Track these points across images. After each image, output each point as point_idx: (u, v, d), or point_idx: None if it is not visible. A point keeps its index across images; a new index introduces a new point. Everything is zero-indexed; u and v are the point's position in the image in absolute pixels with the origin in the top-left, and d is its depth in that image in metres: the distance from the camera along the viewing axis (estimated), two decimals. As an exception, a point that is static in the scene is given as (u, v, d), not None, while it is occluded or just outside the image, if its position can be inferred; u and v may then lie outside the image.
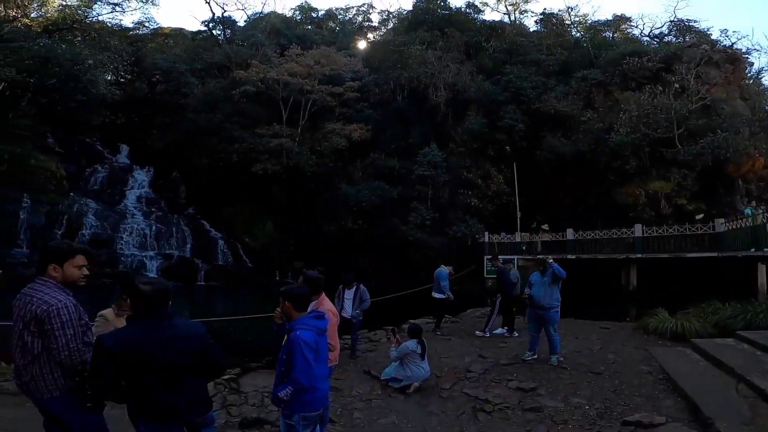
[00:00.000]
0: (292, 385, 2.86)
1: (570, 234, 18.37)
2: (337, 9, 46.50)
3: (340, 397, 5.72)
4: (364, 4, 44.73)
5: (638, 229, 16.20)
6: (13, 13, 19.99)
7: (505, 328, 9.37)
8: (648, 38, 32.55)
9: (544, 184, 22.76)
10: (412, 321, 9.57)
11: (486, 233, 20.96)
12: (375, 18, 44.61)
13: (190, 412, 2.60)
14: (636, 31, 34.48)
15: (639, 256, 15.76)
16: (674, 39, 30.72)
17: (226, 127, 24.56)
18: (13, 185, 18.90)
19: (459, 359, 7.47)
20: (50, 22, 23.21)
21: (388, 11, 49.28)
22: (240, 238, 24.18)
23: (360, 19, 44.62)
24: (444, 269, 9.90)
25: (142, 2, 29.27)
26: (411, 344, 5.95)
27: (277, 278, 23.05)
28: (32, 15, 22.43)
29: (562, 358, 6.84)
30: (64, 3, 23.55)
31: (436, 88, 25.51)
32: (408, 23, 33.04)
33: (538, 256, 9.79)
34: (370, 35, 42.00)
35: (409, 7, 34.06)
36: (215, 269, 21.66)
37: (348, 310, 7.82)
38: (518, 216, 21.75)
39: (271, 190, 24.42)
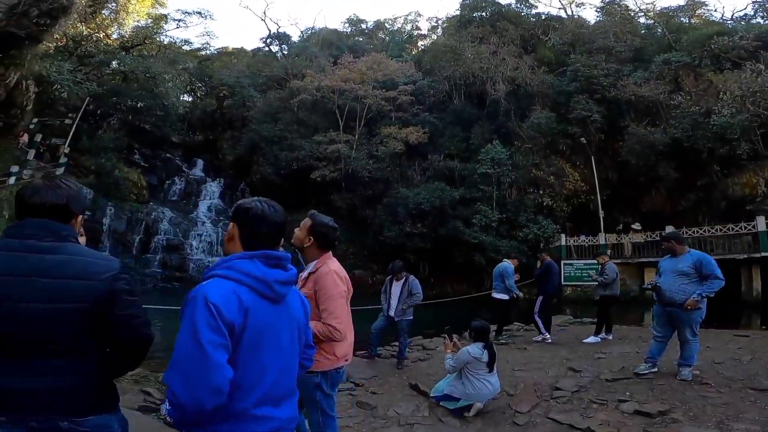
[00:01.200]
0: (168, 403, 1.36)
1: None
2: (385, 19, 45.54)
3: (372, 418, 4.09)
4: (411, 12, 44.13)
5: (761, 223, 12.80)
6: (93, 32, 21.45)
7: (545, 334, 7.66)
8: (732, 21, 27.91)
9: (630, 179, 19.50)
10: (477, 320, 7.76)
11: (563, 235, 18.22)
12: (423, 25, 43.96)
13: (41, 408, 1.36)
14: (716, 15, 29.94)
15: (765, 255, 12.34)
16: (762, 20, 25.92)
17: (287, 136, 24.46)
18: (100, 193, 20.03)
19: (540, 373, 5.52)
20: (125, 40, 24.61)
21: (436, 18, 48.09)
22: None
23: (409, 27, 43.94)
24: (509, 264, 7.96)
25: (202, 17, 31.14)
26: (474, 349, 4.19)
27: (336, 289, 22.03)
28: (113, 36, 24.08)
29: (697, 372, 4.63)
30: (137, 23, 25.14)
31: (494, 83, 23.42)
32: (458, 23, 31.16)
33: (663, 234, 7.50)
34: (420, 43, 40.98)
35: (457, 12, 32.40)
36: (276, 275, 21.14)
37: (394, 306, 6.23)
38: (601, 215, 18.74)
39: (330, 197, 23.79)
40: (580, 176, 21.02)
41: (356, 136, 24.38)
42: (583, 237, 18.11)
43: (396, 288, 6.30)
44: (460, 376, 4.22)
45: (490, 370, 4.17)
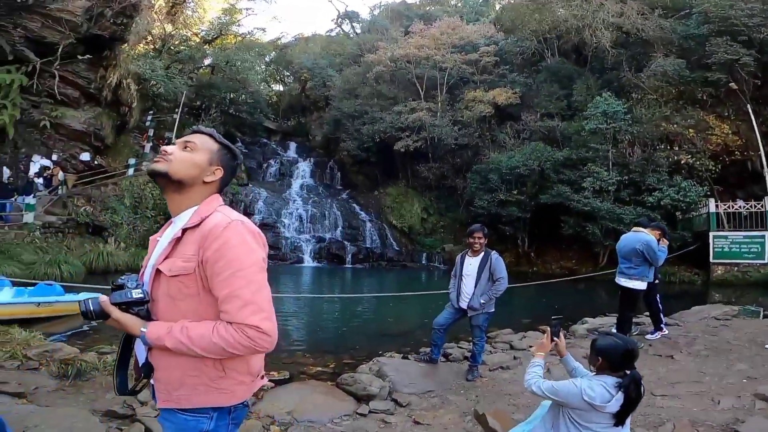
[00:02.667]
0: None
1: None
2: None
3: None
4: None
5: None
6: (178, 30, 22.68)
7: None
8: None
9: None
10: (608, 335, 5.44)
11: (711, 201, 13.81)
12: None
13: None
14: None
15: None
16: None
17: (367, 110, 23.67)
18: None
19: (703, 402, 3.20)
20: (205, 34, 25.74)
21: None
22: (388, 220, 22.75)
23: (484, -11, 39.13)
24: (651, 237, 4.95)
25: (267, 2, 33.92)
26: (597, 388, 1.97)
27: (424, 262, 20.58)
28: (196, 32, 25.29)
29: None
30: (214, 17, 25.77)
31: (593, 32, 18.91)
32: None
33: None
34: (497, 5, 35.95)
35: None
36: (362, 251, 20.47)
37: (467, 294, 4.19)
38: (766, 175, 13.89)
39: (416, 168, 22.49)
40: (731, 129, 15.97)
41: (438, 104, 22.73)
42: (740, 203, 13.55)
43: (470, 267, 4.25)
44: (558, 417, 2.15)
45: (619, 424, 2.02)
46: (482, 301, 4.12)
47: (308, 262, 19.43)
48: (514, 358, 4.85)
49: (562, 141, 18.12)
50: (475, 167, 19.58)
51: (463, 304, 4.23)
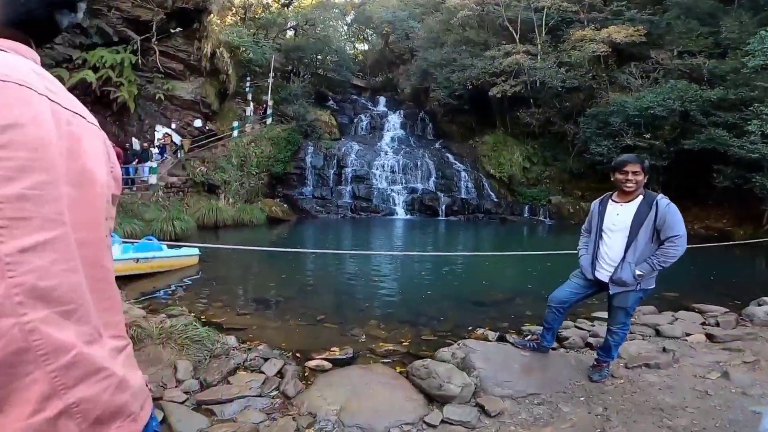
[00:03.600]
0: None
1: None
2: None
3: None
4: None
5: None
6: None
7: None
8: None
9: None
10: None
11: None
12: None
13: None
14: None
15: None
16: None
17: (455, 58, 21.80)
18: (301, 135, 21.85)
19: None
20: None
21: None
22: (485, 170, 20.87)
23: None
24: None
25: None
26: None
27: (527, 215, 18.46)
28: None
29: None
30: None
31: None
32: None
33: None
34: None
35: None
36: (456, 203, 19.14)
37: (610, 259, 2.81)
38: None
39: (516, 114, 20.23)
40: None
41: (538, 46, 19.97)
42: None
43: (619, 218, 2.79)
44: None
45: None
46: (638, 273, 2.67)
47: (400, 214, 18.90)
48: (664, 350, 3.36)
49: (711, 80, 14.84)
50: (589, 111, 17.21)
51: (602, 275, 2.82)
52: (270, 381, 3.05)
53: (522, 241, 13.59)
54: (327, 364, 3.34)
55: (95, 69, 12.60)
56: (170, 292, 5.60)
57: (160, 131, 15.58)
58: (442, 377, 2.77)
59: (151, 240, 6.73)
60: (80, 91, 12.16)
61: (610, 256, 2.76)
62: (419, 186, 20.31)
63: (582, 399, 2.76)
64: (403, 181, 20.75)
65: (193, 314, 4.47)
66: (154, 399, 2.85)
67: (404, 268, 8.02)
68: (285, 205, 17.55)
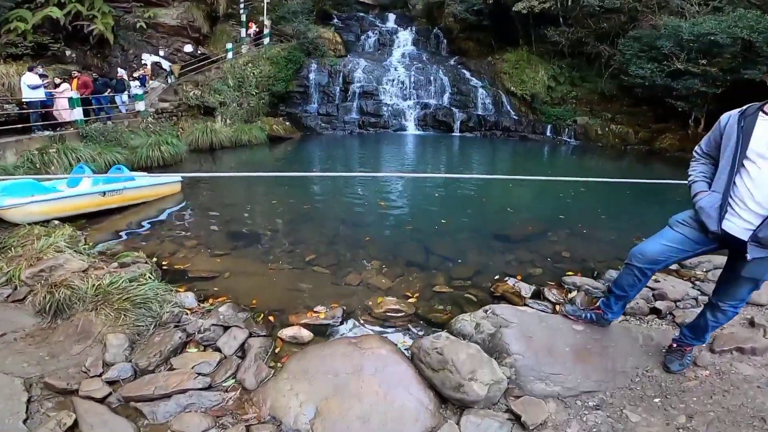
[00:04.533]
0: None
1: None
2: None
3: None
4: None
5: None
6: None
7: None
8: None
9: None
10: None
11: None
12: None
13: None
14: None
15: None
16: None
17: None
18: (303, 53, 19.74)
19: None
20: None
21: None
22: (505, 87, 18.83)
23: None
24: None
25: None
26: None
27: (549, 134, 16.75)
28: None
29: None
30: None
31: None
32: None
33: None
34: None
35: None
36: (472, 119, 17.50)
37: (756, 205, 1.57)
38: None
39: (542, 32, 17.80)
40: None
41: None
42: None
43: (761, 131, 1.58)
44: None
45: None
46: None
47: (411, 129, 17.60)
48: (752, 323, 2.34)
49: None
50: (631, 32, 15.30)
51: (736, 229, 1.68)
52: (225, 364, 2.22)
53: (545, 161, 12.23)
54: (306, 335, 2.48)
55: (61, 5, 11.69)
56: (140, 230, 4.71)
57: (148, 59, 14.87)
58: (463, 371, 1.84)
59: (120, 169, 5.75)
60: (48, 28, 11.58)
61: (756, 199, 1.62)
62: (432, 102, 18.51)
63: (657, 401, 1.83)
64: (415, 96, 18.96)
65: (155, 259, 3.62)
66: (68, 393, 2.05)
67: (414, 190, 6.87)
68: (287, 123, 16.54)
